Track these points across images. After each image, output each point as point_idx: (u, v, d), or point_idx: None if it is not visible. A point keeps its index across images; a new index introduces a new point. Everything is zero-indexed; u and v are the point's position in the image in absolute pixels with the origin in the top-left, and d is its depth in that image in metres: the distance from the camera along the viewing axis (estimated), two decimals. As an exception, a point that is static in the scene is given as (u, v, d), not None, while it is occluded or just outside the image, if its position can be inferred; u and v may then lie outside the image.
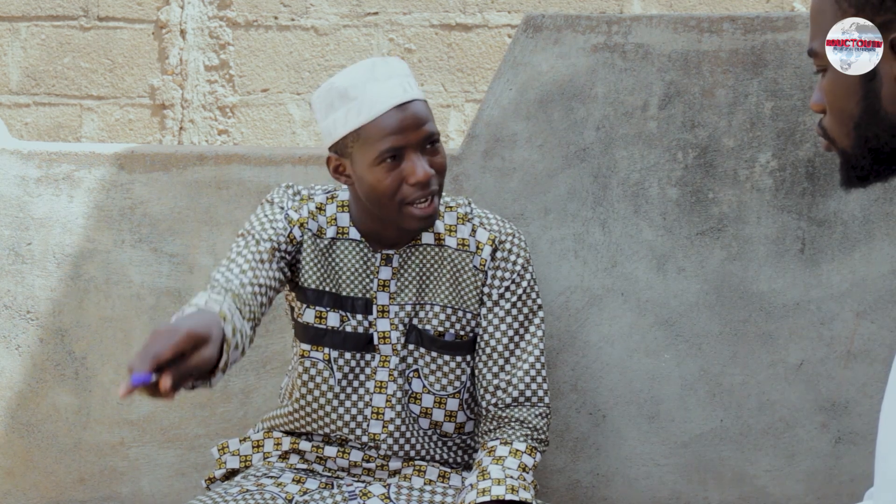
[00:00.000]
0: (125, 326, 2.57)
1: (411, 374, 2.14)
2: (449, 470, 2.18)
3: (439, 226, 2.14)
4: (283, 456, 2.19)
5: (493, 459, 2.05)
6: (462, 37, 4.35)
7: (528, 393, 2.12)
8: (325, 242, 2.13)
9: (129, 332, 2.57)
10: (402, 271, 2.13)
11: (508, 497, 1.97)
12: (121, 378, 2.58)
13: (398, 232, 2.10)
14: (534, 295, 2.15)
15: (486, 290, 2.12)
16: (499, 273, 2.12)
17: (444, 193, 2.20)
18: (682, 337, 2.44)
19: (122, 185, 2.55)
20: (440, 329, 2.12)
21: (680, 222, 2.42)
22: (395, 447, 2.14)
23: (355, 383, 2.13)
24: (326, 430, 2.15)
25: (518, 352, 2.13)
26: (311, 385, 2.13)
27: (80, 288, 2.57)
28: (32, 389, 2.61)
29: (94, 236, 2.56)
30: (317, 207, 2.13)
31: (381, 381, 2.13)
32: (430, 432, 2.16)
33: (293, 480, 2.14)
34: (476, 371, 2.15)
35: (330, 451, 2.16)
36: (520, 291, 2.13)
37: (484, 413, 2.14)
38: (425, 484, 2.15)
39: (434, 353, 2.13)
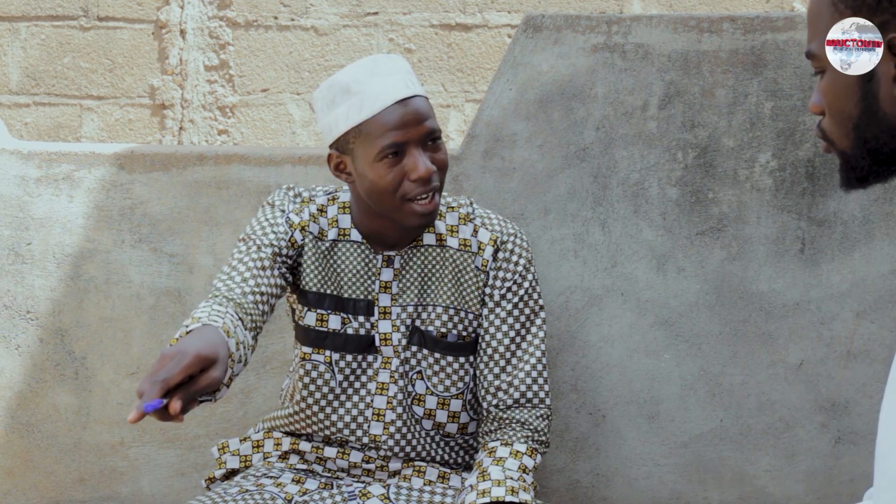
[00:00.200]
0: (125, 326, 2.57)
1: (414, 376, 2.14)
2: (448, 471, 2.18)
3: (441, 226, 2.14)
4: (283, 456, 2.19)
5: (494, 460, 2.05)
6: (462, 37, 4.35)
7: (530, 394, 2.11)
8: (327, 245, 2.12)
9: (129, 332, 2.57)
10: (403, 272, 2.13)
11: (508, 498, 1.97)
12: (121, 378, 2.58)
13: (400, 232, 2.10)
14: (535, 296, 2.15)
15: (487, 290, 2.12)
16: (501, 273, 2.12)
17: (445, 193, 2.19)
18: (682, 337, 2.44)
19: (121, 185, 2.55)
20: (443, 330, 2.12)
21: (680, 222, 2.42)
22: (396, 448, 2.14)
23: (356, 385, 2.13)
24: (327, 431, 2.15)
25: (519, 353, 2.13)
26: (312, 387, 2.13)
27: (79, 288, 2.57)
28: (32, 389, 2.61)
29: (94, 236, 2.56)
30: (318, 209, 2.13)
31: (383, 383, 2.12)
32: (432, 433, 2.16)
33: (293, 481, 2.14)
34: (477, 372, 2.15)
35: (330, 451, 2.16)
36: (521, 292, 2.13)
37: (485, 414, 2.14)
38: (425, 485, 2.15)
39: (437, 355, 2.13)
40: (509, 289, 2.12)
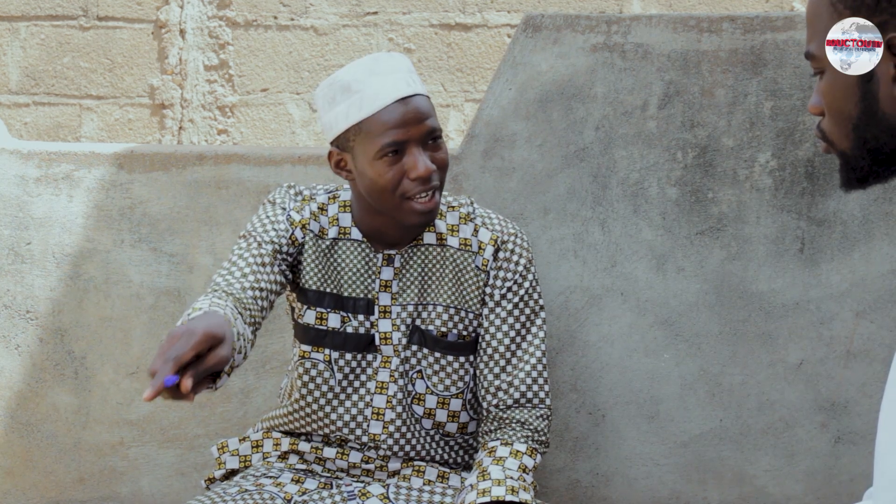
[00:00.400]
0: (125, 326, 2.57)
1: (414, 375, 2.14)
2: (448, 470, 2.18)
3: (441, 225, 2.14)
4: (283, 456, 2.19)
5: (494, 460, 2.05)
6: (461, 36, 4.35)
7: (530, 394, 2.11)
8: (327, 243, 2.13)
9: (129, 331, 2.57)
10: (404, 271, 2.13)
11: (508, 498, 1.97)
12: (120, 378, 2.58)
13: (400, 231, 2.10)
14: (536, 296, 2.15)
15: (488, 290, 2.12)
16: (501, 273, 2.12)
17: (445, 193, 2.19)
18: (682, 337, 2.44)
19: (121, 184, 2.55)
20: (443, 329, 2.12)
21: (679, 222, 2.42)
22: (395, 447, 2.14)
23: (356, 384, 2.13)
24: (326, 430, 2.15)
25: (520, 353, 2.13)
26: (311, 386, 2.13)
27: (79, 288, 2.57)
28: (32, 389, 2.61)
29: (94, 236, 2.56)
30: (319, 208, 2.13)
31: (383, 382, 2.12)
32: (432, 432, 2.16)
33: (292, 480, 2.14)
34: (477, 371, 2.15)
35: (329, 452, 2.16)
36: (522, 292, 2.13)
37: (485, 414, 2.14)
38: (424, 484, 2.15)
39: (437, 354, 2.13)
40: (510, 289, 2.12)
